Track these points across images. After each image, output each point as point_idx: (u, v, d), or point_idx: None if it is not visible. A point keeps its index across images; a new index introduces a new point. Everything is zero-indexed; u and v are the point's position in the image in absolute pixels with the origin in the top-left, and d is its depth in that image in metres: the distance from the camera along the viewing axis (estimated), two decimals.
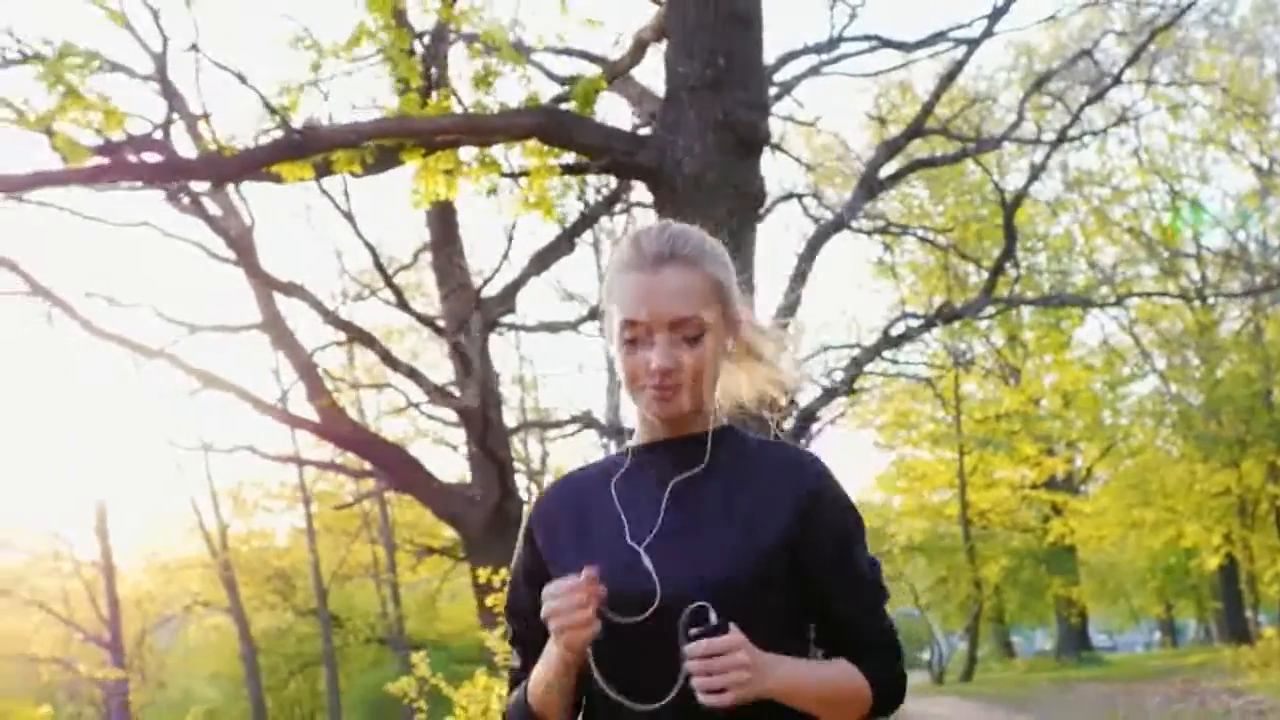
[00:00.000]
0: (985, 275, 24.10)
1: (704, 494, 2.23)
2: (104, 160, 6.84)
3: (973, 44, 15.71)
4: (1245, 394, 28.27)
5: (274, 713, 37.00)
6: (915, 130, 16.41)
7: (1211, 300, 31.83)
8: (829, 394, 16.28)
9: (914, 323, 18.84)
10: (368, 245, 15.04)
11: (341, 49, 7.64)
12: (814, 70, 16.96)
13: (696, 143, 6.97)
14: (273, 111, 6.87)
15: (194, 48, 7.32)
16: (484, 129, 7.13)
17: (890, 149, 16.90)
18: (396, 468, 16.34)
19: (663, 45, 10.20)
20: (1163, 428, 32.30)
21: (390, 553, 33.85)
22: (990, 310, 21.18)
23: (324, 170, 7.54)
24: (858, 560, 2.28)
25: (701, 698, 1.99)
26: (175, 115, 9.99)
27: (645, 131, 12.31)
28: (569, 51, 14.19)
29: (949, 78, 16.33)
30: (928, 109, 16.29)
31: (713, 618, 2.03)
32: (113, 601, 32.13)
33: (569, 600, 2.05)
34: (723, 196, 6.96)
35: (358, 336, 15.70)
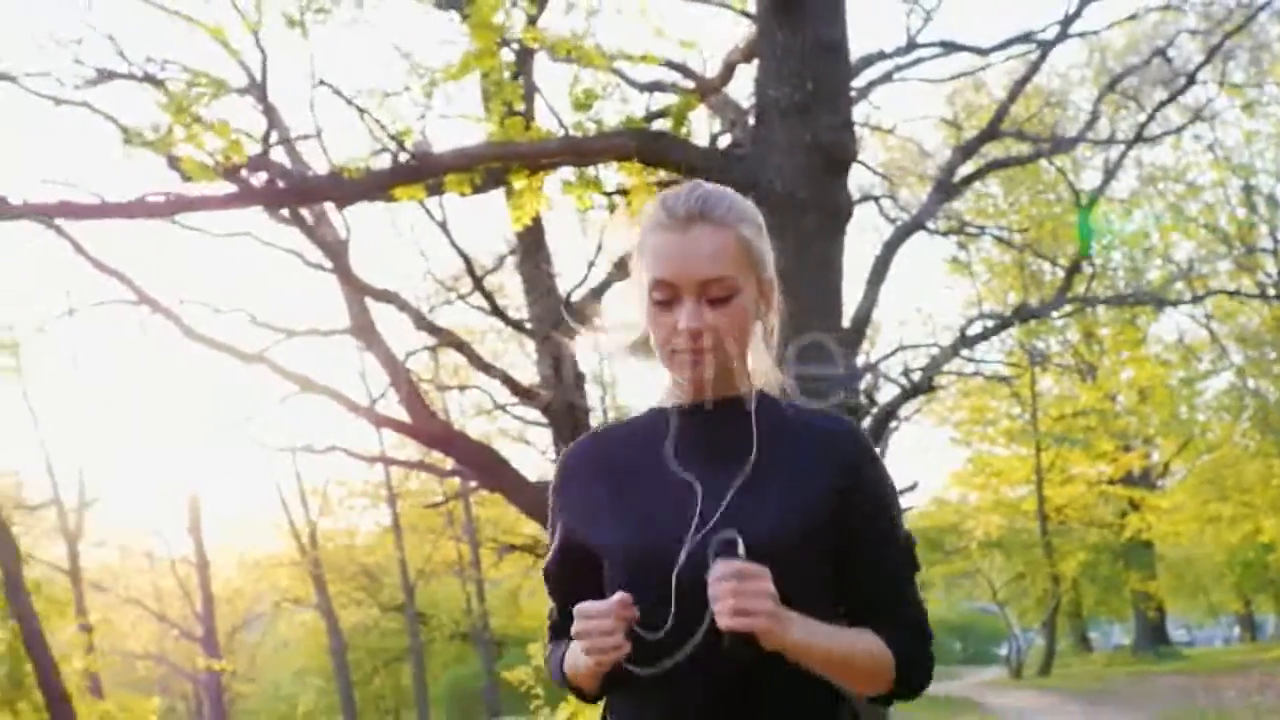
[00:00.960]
0: (1060, 272, 24.30)
1: (755, 459, 2.18)
2: (235, 186, 7.37)
3: (1045, 48, 15.94)
4: None
5: (359, 707, 37.75)
6: (989, 133, 16.68)
7: None
8: (908, 393, 16.57)
9: (990, 322, 19.08)
10: (461, 254, 15.50)
11: (451, 75, 8.14)
12: (887, 77, 17.27)
13: (787, 162, 7.38)
14: (393, 138, 7.38)
15: (321, 83, 7.83)
16: (586, 151, 7.58)
17: (965, 152, 17.15)
18: (486, 467, 16.82)
19: (750, 66, 10.68)
20: (1240, 422, 32.29)
21: (475, 550, 34.45)
22: (1067, 309, 21.38)
23: (435, 190, 8.03)
24: (895, 533, 2.25)
25: (723, 621, 1.95)
26: (275, 133, 10.55)
27: (726, 137, 12.81)
28: (650, 59, 14.52)
29: (1022, 83, 16.56)
30: (1001, 113, 16.54)
31: (741, 551, 1.98)
32: (207, 598, 32.93)
33: (599, 625, 2.02)
34: (811, 212, 7.37)
35: (450, 341, 16.20)
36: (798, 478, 2.17)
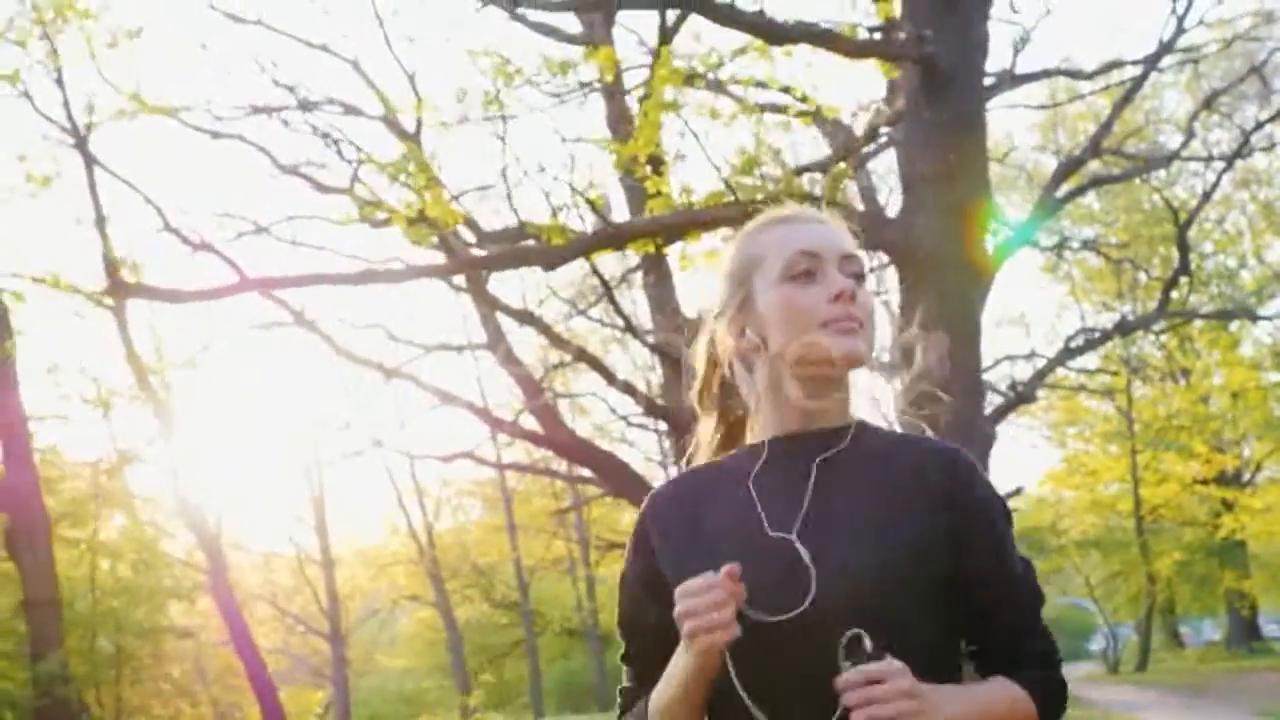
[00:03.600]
0: (1154, 277, 25.00)
1: (851, 483, 2.03)
2: (455, 257, 8.52)
3: (1143, 72, 16.64)
4: None
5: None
6: (1089, 154, 17.41)
7: None
8: (1012, 402, 17.39)
9: (1092, 334, 19.87)
10: (602, 280, 16.49)
11: (634, 148, 9.25)
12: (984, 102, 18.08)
13: (932, 224, 8.46)
14: (594, 210, 8.52)
15: (540, 169, 8.94)
16: (754, 215, 8.65)
17: (1063, 172, 17.93)
18: (608, 470, 17.91)
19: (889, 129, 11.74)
20: None
21: (585, 549, 35.59)
22: (1165, 323, 22.03)
23: (620, 246, 9.17)
24: (1013, 563, 2.08)
25: None
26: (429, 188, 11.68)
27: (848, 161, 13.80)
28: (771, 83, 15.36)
29: (1119, 107, 17.33)
30: (1099, 136, 17.28)
31: (867, 644, 1.82)
32: (332, 595, 34.17)
33: (706, 599, 1.83)
34: (955, 268, 8.45)
35: (585, 358, 17.26)
36: (904, 512, 2.00)
